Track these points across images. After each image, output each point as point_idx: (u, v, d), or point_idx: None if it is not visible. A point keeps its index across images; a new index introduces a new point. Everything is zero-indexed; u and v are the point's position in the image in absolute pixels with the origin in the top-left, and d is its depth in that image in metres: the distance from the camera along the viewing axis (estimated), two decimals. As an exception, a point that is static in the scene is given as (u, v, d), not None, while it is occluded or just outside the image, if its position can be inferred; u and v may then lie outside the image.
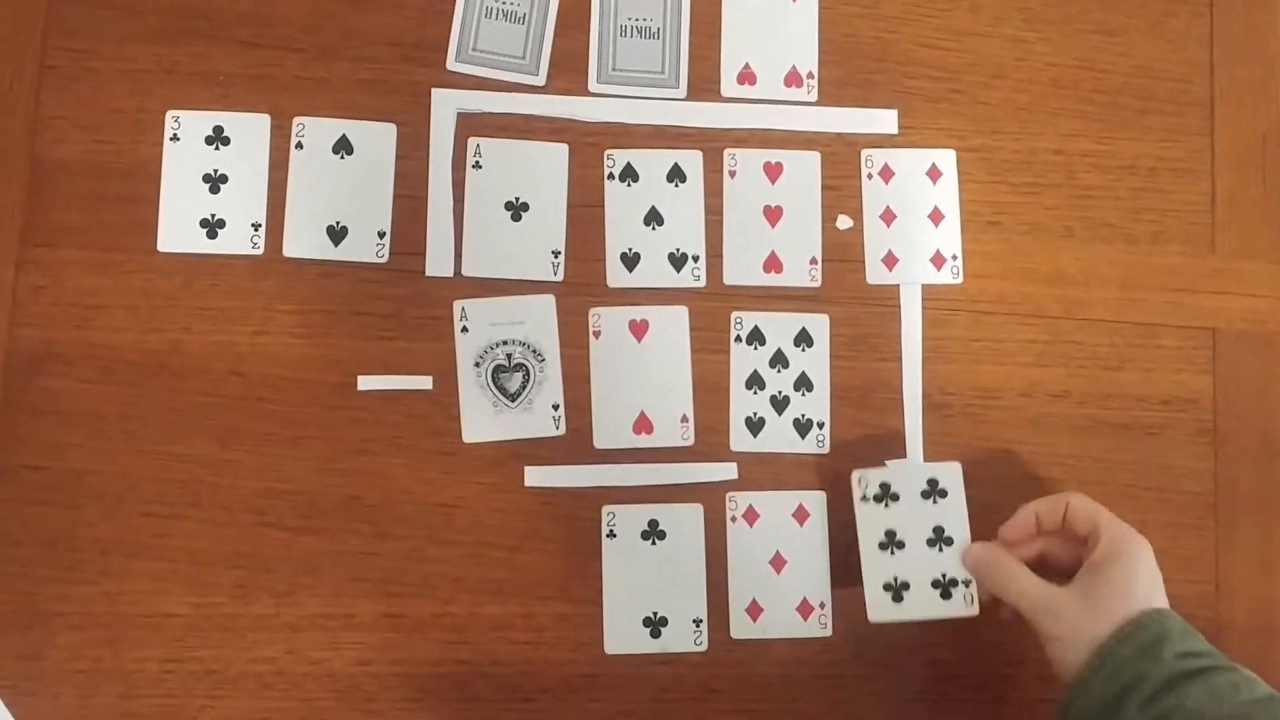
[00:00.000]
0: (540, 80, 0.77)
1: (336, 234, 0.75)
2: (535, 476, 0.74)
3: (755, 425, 0.75)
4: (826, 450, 0.75)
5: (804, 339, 0.76)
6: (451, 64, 0.77)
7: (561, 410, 0.74)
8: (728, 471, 0.75)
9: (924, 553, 0.71)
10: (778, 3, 0.79)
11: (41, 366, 0.73)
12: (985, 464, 0.76)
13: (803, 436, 0.75)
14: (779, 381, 0.76)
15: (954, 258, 0.78)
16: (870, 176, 0.78)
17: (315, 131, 0.75)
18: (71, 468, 0.72)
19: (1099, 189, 0.79)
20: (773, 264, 0.76)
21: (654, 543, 0.73)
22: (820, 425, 0.75)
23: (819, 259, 0.77)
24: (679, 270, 0.76)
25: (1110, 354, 0.78)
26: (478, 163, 0.76)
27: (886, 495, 0.72)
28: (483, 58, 0.77)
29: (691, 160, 0.77)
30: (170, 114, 0.75)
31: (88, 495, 0.72)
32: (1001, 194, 0.79)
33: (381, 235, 0.75)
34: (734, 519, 0.74)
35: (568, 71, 0.77)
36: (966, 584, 0.70)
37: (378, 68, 0.76)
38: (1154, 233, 0.79)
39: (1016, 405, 0.77)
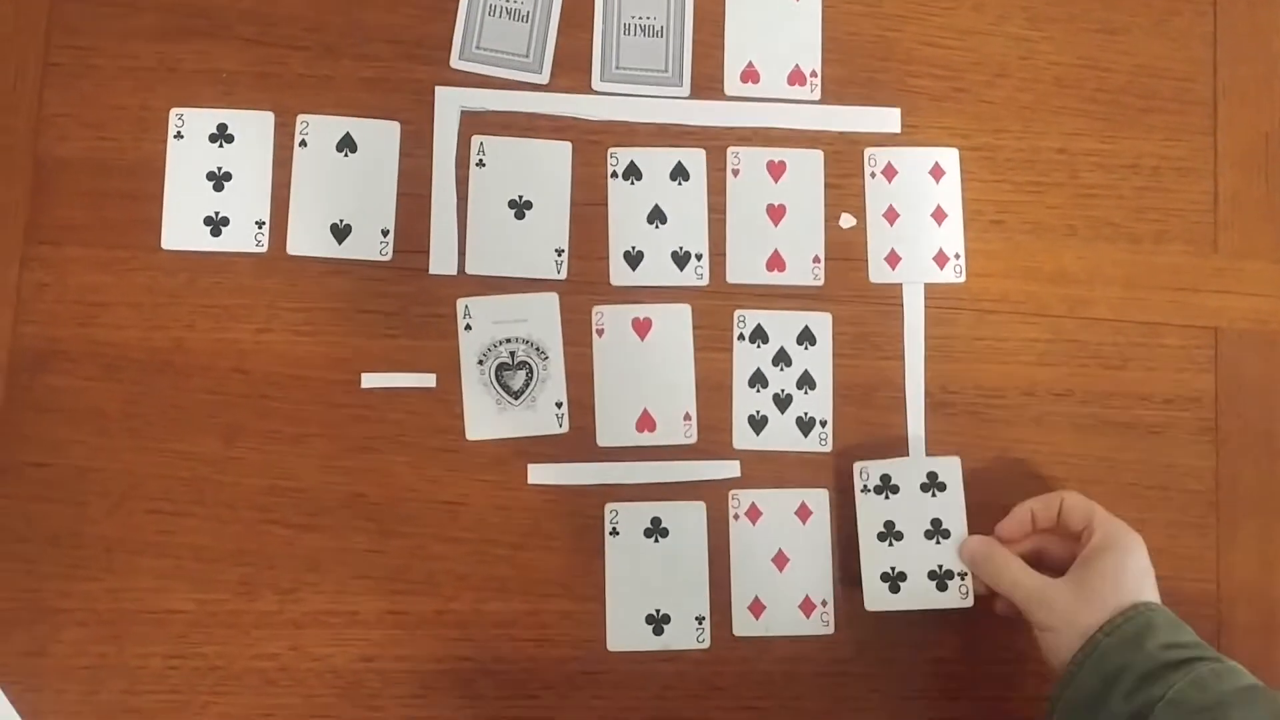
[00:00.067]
0: (544, 78, 0.77)
1: (340, 232, 0.75)
2: (538, 474, 0.74)
3: (758, 423, 0.75)
4: (829, 448, 0.75)
5: (807, 337, 0.76)
6: (455, 62, 0.77)
7: (565, 408, 0.74)
8: (730, 469, 0.75)
9: (921, 544, 0.72)
10: (781, 1, 0.79)
11: (45, 364, 0.73)
12: (987, 462, 0.76)
13: (805, 435, 0.75)
14: (782, 380, 0.76)
15: (957, 256, 0.78)
16: (873, 175, 0.78)
17: (319, 129, 0.75)
18: (75, 465, 0.72)
19: (1102, 188, 0.79)
20: (776, 262, 0.77)
21: (657, 540, 0.74)
22: (823, 424, 0.76)
23: (822, 257, 0.77)
24: (682, 268, 0.76)
25: (1113, 353, 0.78)
26: (481, 161, 0.76)
27: (886, 487, 0.73)
28: (486, 56, 0.77)
29: (695, 159, 0.77)
30: (174, 111, 0.75)
31: (92, 492, 0.72)
32: (1004, 193, 0.79)
33: (385, 233, 0.75)
34: (736, 517, 0.74)
35: (571, 70, 0.77)
36: (962, 576, 0.72)
37: (381, 66, 0.76)
38: (1157, 232, 0.79)
39: (1019, 404, 0.77)
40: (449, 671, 0.72)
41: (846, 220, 0.78)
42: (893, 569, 0.72)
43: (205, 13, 0.76)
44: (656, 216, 0.76)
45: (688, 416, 0.75)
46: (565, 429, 0.74)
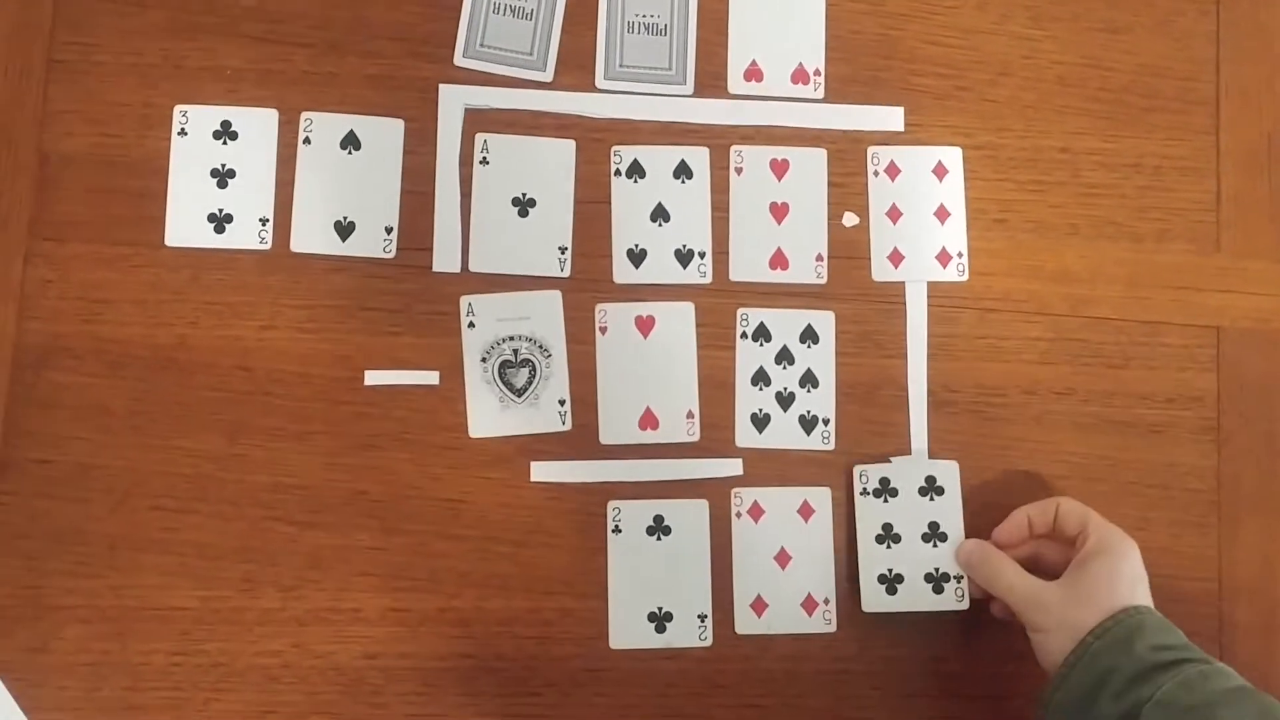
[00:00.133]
0: (547, 76, 0.77)
1: (344, 229, 0.75)
2: (541, 472, 0.74)
3: (761, 421, 0.75)
4: (832, 446, 0.76)
5: (810, 335, 0.76)
6: (459, 60, 0.77)
7: (567, 406, 0.74)
8: (733, 467, 0.75)
9: (919, 547, 0.73)
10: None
11: (49, 360, 0.73)
12: (989, 461, 0.76)
13: (808, 433, 0.76)
14: (785, 378, 0.76)
15: (959, 255, 0.78)
16: (876, 174, 0.78)
17: (323, 127, 0.75)
18: (79, 462, 0.72)
19: (1104, 187, 0.79)
20: (779, 261, 0.77)
21: (659, 538, 0.74)
22: (825, 422, 0.76)
23: (825, 256, 0.77)
24: (685, 266, 0.76)
25: (1115, 352, 0.78)
26: (485, 158, 0.76)
27: (885, 490, 0.74)
28: (490, 54, 0.77)
29: (698, 157, 0.77)
30: (178, 108, 0.75)
31: (95, 489, 0.72)
32: (1007, 192, 0.79)
33: (389, 231, 0.75)
34: (739, 515, 0.74)
35: (575, 68, 0.77)
36: (958, 579, 0.73)
37: (385, 63, 0.76)
38: (1159, 231, 0.79)
39: (1021, 402, 0.77)
40: (451, 669, 0.72)
41: (849, 219, 0.78)
42: (890, 571, 0.73)
43: (210, 9, 0.76)
44: (660, 215, 0.76)
45: (690, 414, 0.75)
46: (568, 427, 0.74)
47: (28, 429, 0.72)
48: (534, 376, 0.74)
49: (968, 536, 0.73)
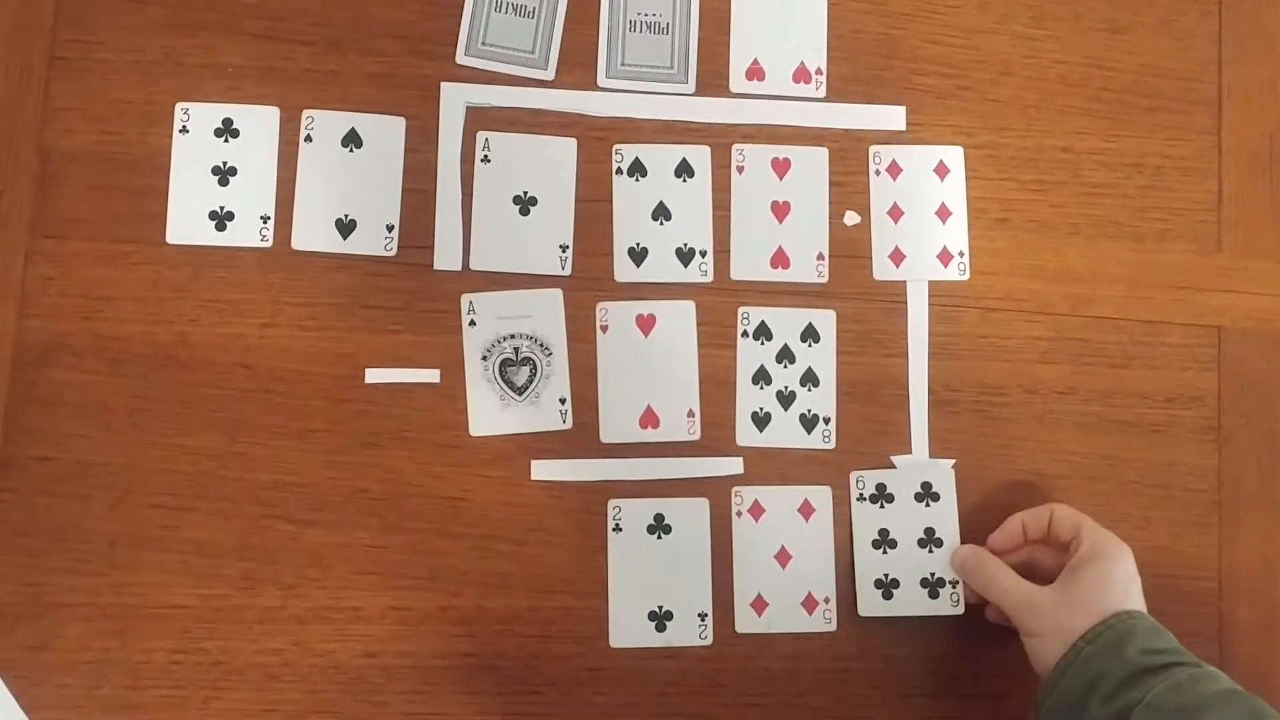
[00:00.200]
0: (549, 75, 0.77)
1: (345, 227, 0.75)
2: (542, 470, 0.74)
3: (761, 420, 0.75)
4: (832, 445, 0.75)
5: (811, 334, 0.76)
6: (461, 58, 0.77)
7: (568, 404, 0.74)
8: (734, 466, 0.75)
9: (915, 553, 0.74)
10: (787, -2, 0.79)
11: (50, 358, 0.73)
12: (990, 460, 0.76)
13: (809, 432, 0.76)
14: (785, 377, 0.76)
15: (961, 254, 0.78)
16: (878, 173, 0.78)
17: (324, 124, 0.75)
18: (79, 459, 0.72)
19: (1106, 187, 0.79)
20: (780, 259, 0.77)
21: (660, 537, 0.74)
22: (826, 420, 0.76)
23: (826, 255, 0.77)
24: (686, 265, 0.76)
25: (1116, 351, 0.78)
26: (486, 157, 0.76)
27: (882, 496, 0.74)
28: (492, 52, 0.77)
29: (700, 155, 0.77)
30: (179, 106, 0.75)
31: (95, 487, 0.72)
32: (1009, 191, 0.79)
33: (390, 229, 0.75)
34: (740, 514, 0.74)
35: (577, 66, 0.77)
36: (953, 584, 0.74)
37: (387, 61, 0.76)
38: (1160, 231, 0.79)
39: (1022, 402, 0.77)
40: (452, 667, 0.72)
41: (851, 218, 0.78)
42: (886, 576, 0.73)
43: (211, 7, 0.76)
44: (661, 213, 0.76)
45: (691, 413, 0.75)
46: (569, 425, 0.74)
47: (28, 426, 0.72)
48: (535, 375, 0.74)
49: (966, 539, 0.74)
